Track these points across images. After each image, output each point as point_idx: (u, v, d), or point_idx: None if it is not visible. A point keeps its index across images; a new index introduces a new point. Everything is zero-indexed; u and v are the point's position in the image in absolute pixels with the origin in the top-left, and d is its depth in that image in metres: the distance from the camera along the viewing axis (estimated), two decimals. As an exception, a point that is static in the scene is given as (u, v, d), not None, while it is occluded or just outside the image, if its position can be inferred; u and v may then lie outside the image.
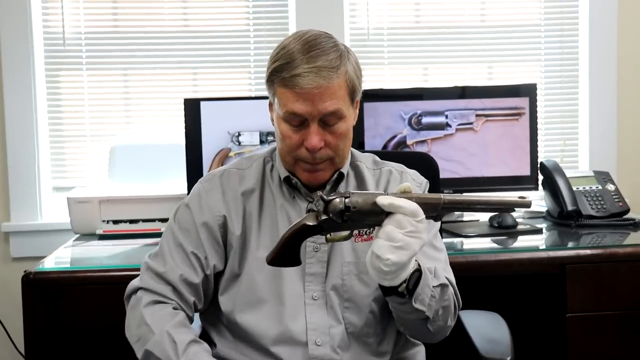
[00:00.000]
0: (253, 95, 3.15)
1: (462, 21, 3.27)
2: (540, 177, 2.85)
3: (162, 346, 1.43)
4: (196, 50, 3.17)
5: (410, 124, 2.82)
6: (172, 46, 3.15)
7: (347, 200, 1.31)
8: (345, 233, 1.37)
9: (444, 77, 3.26)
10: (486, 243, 2.52)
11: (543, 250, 2.42)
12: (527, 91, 2.85)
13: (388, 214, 1.28)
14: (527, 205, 1.33)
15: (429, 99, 2.84)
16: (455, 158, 2.83)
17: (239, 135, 2.73)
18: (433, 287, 1.42)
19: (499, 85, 2.99)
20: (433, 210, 1.32)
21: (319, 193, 1.36)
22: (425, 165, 2.00)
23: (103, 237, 2.63)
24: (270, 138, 2.72)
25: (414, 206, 1.27)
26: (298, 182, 1.57)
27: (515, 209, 1.35)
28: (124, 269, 2.16)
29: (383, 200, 1.28)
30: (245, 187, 1.61)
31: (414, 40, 3.26)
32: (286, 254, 1.35)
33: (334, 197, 1.32)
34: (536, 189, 2.86)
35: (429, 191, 1.69)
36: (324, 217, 1.32)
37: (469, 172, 2.83)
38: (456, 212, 2.87)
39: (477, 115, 2.83)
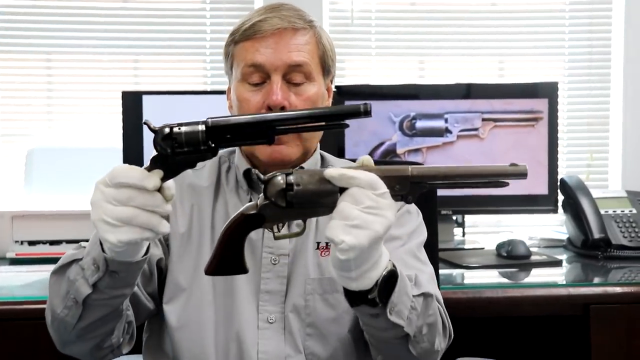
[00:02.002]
0: (209, 90, 3.17)
1: (468, 4, 3.32)
2: (561, 198, 2.87)
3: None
4: (138, 32, 3.18)
5: (401, 128, 2.83)
6: (108, 26, 3.17)
7: (290, 177, 1.29)
8: (297, 229, 1.34)
9: (443, 72, 3.30)
10: (492, 276, 2.53)
11: (562, 286, 2.39)
12: (547, 91, 2.87)
13: (342, 191, 1.27)
14: (523, 173, 1.29)
15: (425, 98, 2.86)
16: None
17: None
18: (413, 296, 1.41)
19: (512, 83, 3.03)
20: (399, 186, 1.29)
21: (255, 171, 1.35)
22: None
23: (15, 261, 2.62)
24: None
25: (370, 176, 1.25)
26: (259, 176, 1.55)
27: (507, 181, 1.31)
28: (41, 301, 2.06)
29: (332, 172, 1.26)
30: (196, 186, 1.67)
31: (408, 26, 3.30)
32: (227, 258, 1.32)
33: (273, 174, 1.30)
34: (555, 211, 2.88)
35: (424, 215, 1.72)
36: (264, 202, 1.30)
37: (473, 189, 2.82)
38: (455, 235, 2.95)
39: (483, 120, 2.85)
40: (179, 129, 1.26)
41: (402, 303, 1.37)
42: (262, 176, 1.32)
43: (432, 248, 1.86)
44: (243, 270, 1.33)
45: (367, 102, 1.27)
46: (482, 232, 3.18)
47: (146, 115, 2.71)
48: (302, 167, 1.59)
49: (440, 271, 2.19)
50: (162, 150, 1.25)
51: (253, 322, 1.58)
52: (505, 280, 2.49)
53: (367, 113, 1.26)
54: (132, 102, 2.72)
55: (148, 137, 2.66)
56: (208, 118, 1.26)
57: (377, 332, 1.44)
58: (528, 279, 2.53)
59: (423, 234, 1.68)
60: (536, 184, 2.84)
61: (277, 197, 1.29)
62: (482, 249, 2.85)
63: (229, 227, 1.32)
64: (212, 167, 1.71)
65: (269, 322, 1.58)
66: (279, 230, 1.33)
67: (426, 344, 1.46)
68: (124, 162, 2.70)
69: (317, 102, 1.62)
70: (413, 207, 1.71)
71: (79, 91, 3.16)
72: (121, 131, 2.72)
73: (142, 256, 1.34)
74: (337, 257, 1.24)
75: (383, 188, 1.25)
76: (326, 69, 1.66)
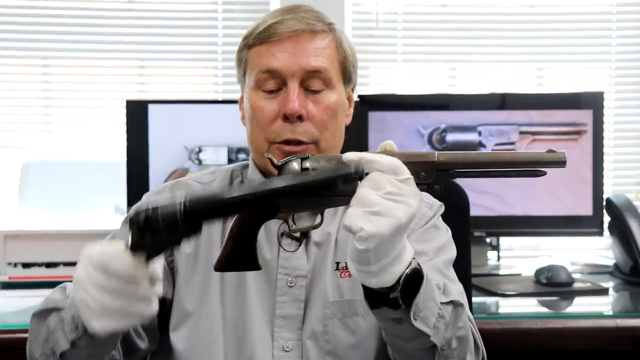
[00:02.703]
0: (220, 99, 3.17)
1: (504, 5, 3.31)
2: (607, 219, 2.86)
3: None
4: (144, 35, 3.19)
5: (430, 141, 2.83)
6: (111, 29, 3.17)
7: (305, 162, 1.29)
8: (313, 220, 1.33)
9: (476, 80, 3.30)
10: (531, 305, 2.52)
11: (609, 317, 2.39)
12: (591, 102, 2.86)
13: (362, 177, 1.26)
14: (561, 161, 1.29)
15: (456, 109, 2.86)
16: (491, 190, 2.83)
17: (200, 151, 2.75)
18: (442, 303, 1.39)
19: (552, 93, 3.04)
20: (425, 173, 1.28)
21: (268, 155, 1.35)
22: (451, 197, 1.96)
23: (8, 285, 2.62)
24: (241, 156, 2.74)
25: (393, 160, 1.24)
26: (273, 160, 1.51)
27: (545, 169, 1.30)
28: None
29: (351, 155, 1.26)
30: None
31: (438, 30, 3.29)
32: (238, 252, 1.31)
33: (288, 159, 1.30)
34: (601, 234, 2.87)
35: (455, 236, 1.72)
36: None
37: (508, 209, 2.84)
38: (489, 260, 2.94)
39: (521, 133, 2.84)
40: (153, 212, 1.19)
41: (429, 309, 1.35)
42: (275, 161, 1.31)
43: (463, 273, 1.84)
44: (256, 266, 1.32)
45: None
46: (518, 256, 3.17)
47: (152, 126, 2.72)
48: None
49: (473, 299, 2.18)
50: (139, 241, 1.19)
51: (267, 350, 1.58)
52: (544, 310, 2.49)
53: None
54: (136, 112, 2.73)
55: (154, 150, 2.70)
56: (186, 198, 1.20)
57: (400, 343, 1.42)
58: (570, 309, 2.51)
59: (452, 252, 1.67)
60: (579, 204, 2.83)
61: None
62: (519, 274, 2.84)
63: (241, 219, 1.30)
64: (223, 181, 1.71)
65: (285, 350, 1.58)
66: (294, 223, 1.32)
67: None
68: (128, 177, 2.72)
69: (337, 111, 1.62)
70: (441, 222, 1.70)
71: (79, 100, 3.16)
72: (125, 143, 2.72)
73: None
74: (355, 248, 1.22)
75: (407, 173, 1.24)
76: (347, 76, 1.66)
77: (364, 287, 1.31)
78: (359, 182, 1.25)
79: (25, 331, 2.09)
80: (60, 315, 1.37)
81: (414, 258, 1.29)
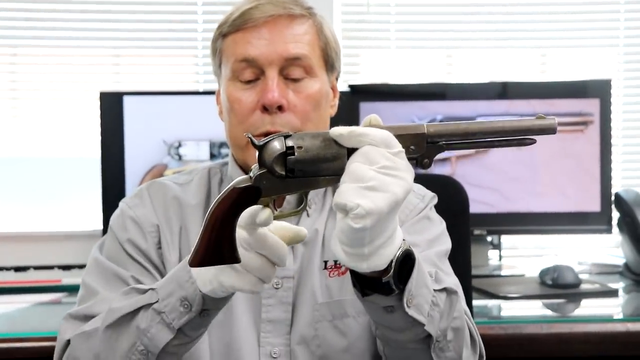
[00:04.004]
0: (201, 90, 3.16)
1: (504, -12, 3.31)
2: (616, 215, 2.87)
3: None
4: (119, 22, 3.17)
5: None
6: (83, 14, 3.16)
7: (288, 140, 1.27)
8: (295, 206, 1.35)
9: (475, 67, 3.29)
10: (535, 308, 2.52)
11: (619, 321, 2.38)
12: (598, 90, 2.87)
13: (350, 152, 1.25)
14: (552, 128, 1.29)
15: (454, 98, 2.87)
16: (491, 184, 2.84)
17: (180, 146, 2.75)
18: (435, 290, 1.40)
19: (556, 81, 3.02)
20: (414, 146, 1.28)
21: (246, 134, 1.34)
22: (448, 193, 1.99)
23: (-26, 292, 2.62)
24: (224, 151, 2.74)
25: (384, 133, 1.23)
26: (253, 140, 1.56)
27: (534, 137, 1.31)
28: (5, 339, 2.13)
29: (340, 130, 1.25)
30: (183, 202, 1.70)
31: (434, 14, 3.28)
32: (216, 245, 1.28)
33: (269, 138, 1.28)
34: (609, 231, 2.88)
35: (454, 235, 1.74)
36: (259, 171, 1.27)
37: (510, 204, 2.85)
38: (490, 260, 2.95)
39: None
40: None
41: (422, 296, 1.35)
42: (256, 141, 1.28)
43: (463, 274, 1.85)
44: (235, 259, 1.29)
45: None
46: (522, 255, 3.17)
47: (128, 119, 2.72)
48: None
49: (474, 302, 2.19)
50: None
51: (254, 356, 1.59)
52: (550, 313, 2.50)
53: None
54: (111, 104, 2.73)
55: (130, 146, 2.69)
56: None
57: (393, 335, 1.42)
58: (578, 312, 2.52)
59: (446, 244, 1.68)
60: (586, 200, 2.84)
61: (275, 164, 1.27)
62: (523, 275, 2.84)
63: (218, 207, 1.28)
64: (201, 181, 1.72)
65: (273, 357, 1.59)
66: (275, 209, 1.30)
67: (452, 354, 1.43)
68: (103, 175, 2.71)
69: (320, 100, 1.63)
70: (434, 214, 1.71)
71: (49, 91, 3.14)
72: (99, 138, 2.72)
73: None
74: (349, 227, 1.20)
75: (399, 146, 1.24)
76: (330, 64, 1.68)
77: (353, 274, 1.31)
78: (347, 158, 1.24)
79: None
80: (153, 309, 1.40)
81: (404, 240, 1.30)
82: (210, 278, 1.32)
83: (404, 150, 1.24)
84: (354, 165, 1.22)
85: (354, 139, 1.23)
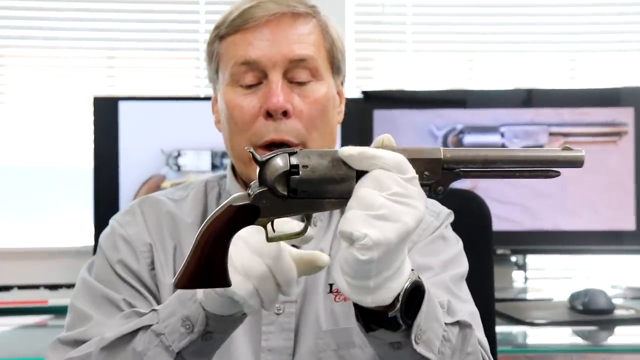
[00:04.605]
0: (202, 95, 3.15)
1: (530, -13, 3.30)
2: (652, 234, 2.84)
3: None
4: (114, 20, 3.17)
5: (445, 144, 2.82)
6: (76, 13, 3.15)
7: (293, 157, 1.25)
8: (297, 227, 1.31)
9: (499, 73, 3.27)
10: (564, 336, 2.50)
11: (657, 350, 2.39)
12: (632, 98, 2.86)
13: (360, 175, 1.23)
14: (579, 161, 1.27)
15: (475, 106, 2.85)
16: (516, 200, 2.82)
17: (179, 155, 2.73)
18: (446, 324, 1.37)
19: (587, 88, 2.98)
20: (428, 172, 1.27)
21: (248, 149, 1.31)
22: (469, 209, 1.98)
23: (-48, 313, 2.61)
24: (227, 161, 2.69)
25: (397, 156, 1.22)
26: (254, 155, 1.54)
27: (559, 170, 1.28)
28: None
29: (350, 150, 1.23)
30: (178, 219, 1.69)
31: (454, 15, 3.28)
32: (206, 265, 1.26)
33: (273, 154, 1.26)
34: (646, 252, 2.86)
35: (476, 254, 1.72)
36: (259, 189, 1.25)
37: (537, 222, 2.81)
38: (514, 282, 2.91)
39: (551, 134, 2.84)
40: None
41: (432, 330, 1.33)
42: (258, 157, 1.25)
43: (485, 298, 1.86)
44: (224, 282, 1.27)
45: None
46: (549, 277, 3.16)
47: (123, 126, 2.69)
48: None
49: (497, 328, 2.13)
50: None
51: None
52: (580, 342, 2.48)
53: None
54: (105, 110, 2.71)
55: (126, 155, 2.68)
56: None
57: None
58: (611, 341, 2.49)
59: (462, 266, 1.67)
60: (620, 217, 2.82)
61: (277, 183, 1.25)
62: (550, 300, 2.82)
63: (212, 224, 1.25)
64: (197, 196, 1.71)
65: None
66: (273, 230, 1.28)
67: None
68: (95, 187, 2.69)
69: (327, 105, 1.62)
70: (450, 232, 1.70)
71: (38, 95, 3.14)
72: (91, 146, 2.69)
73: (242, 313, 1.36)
74: (354, 259, 1.18)
75: (412, 172, 1.22)
76: (336, 66, 1.67)
77: (356, 307, 1.29)
78: (355, 181, 1.23)
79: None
80: (153, 331, 1.39)
81: (412, 269, 1.27)
82: None
83: (417, 176, 1.23)
84: (363, 190, 1.20)
85: (364, 161, 1.22)
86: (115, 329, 1.45)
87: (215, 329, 1.35)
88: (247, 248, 1.28)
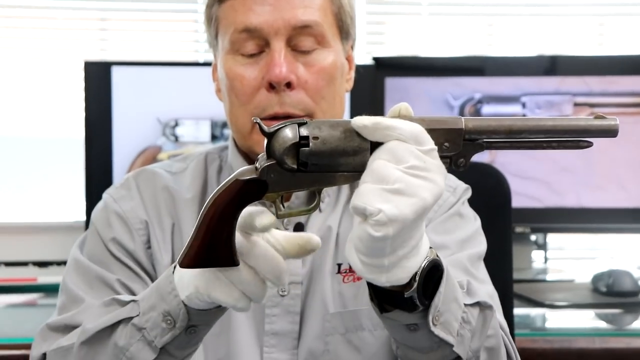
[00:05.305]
0: (201, 61, 3.15)
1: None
2: (682, 212, 2.82)
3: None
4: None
5: (462, 114, 2.79)
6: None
7: (303, 128, 1.25)
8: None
9: (520, 38, 3.27)
10: (587, 319, 2.52)
11: (687, 335, 2.37)
12: None
13: (374, 147, 1.23)
14: (613, 130, 1.25)
15: (494, 74, 2.84)
16: (537, 175, 2.81)
17: (176, 125, 2.73)
18: (465, 305, 1.37)
19: (615, 55, 2.97)
20: (448, 143, 1.26)
21: (255, 119, 1.30)
22: (487, 184, 1.98)
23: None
24: (228, 131, 2.70)
25: (415, 127, 1.21)
26: (262, 127, 1.54)
27: (591, 140, 1.26)
28: None
29: (363, 120, 1.22)
30: (176, 194, 1.69)
31: (473, -25, 3.25)
32: (212, 243, 1.25)
33: (281, 125, 1.26)
34: (676, 231, 2.84)
35: (493, 233, 1.73)
36: (267, 162, 1.25)
37: (559, 199, 2.80)
38: (533, 262, 2.92)
39: (576, 105, 2.82)
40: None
41: (450, 312, 1.33)
42: (266, 128, 1.25)
43: (503, 279, 1.87)
44: (232, 261, 1.26)
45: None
46: (571, 257, 3.17)
47: (116, 93, 2.69)
48: None
49: (515, 310, 2.15)
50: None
51: None
52: (604, 325, 2.49)
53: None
54: (97, 76, 2.71)
55: (119, 124, 2.69)
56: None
57: (417, 357, 1.40)
58: (636, 325, 2.50)
59: (481, 245, 1.67)
60: None
61: (285, 156, 1.24)
62: (572, 281, 2.83)
63: (217, 200, 1.25)
64: (196, 169, 1.72)
65: None
66: (282, 207, 1.28)
67: None
68: (87, 157, 2.70)
69: (334, 74, 1.61)
70: (467, 209, 1.70)
71: (26, 61, 3.14)
72: (82, 115, 2.69)
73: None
74: (368, 235, 1.17)
75: (431, 143, 1.21)
76: (344, 31, 1.65)
77: (370, 286, 1.28)
78: (369, 153, 1.22)
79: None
80: (134, 325, 1.38)
81: (430, 247, 1.27)
82: (187, 282, 1.28)
83: (436, 148, 1.21)
84: (377, 162, 1.19)
85: (379, 132, 1.21)
86: (95, 320, 1.44)
87: (199, 322, 1.35)
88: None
